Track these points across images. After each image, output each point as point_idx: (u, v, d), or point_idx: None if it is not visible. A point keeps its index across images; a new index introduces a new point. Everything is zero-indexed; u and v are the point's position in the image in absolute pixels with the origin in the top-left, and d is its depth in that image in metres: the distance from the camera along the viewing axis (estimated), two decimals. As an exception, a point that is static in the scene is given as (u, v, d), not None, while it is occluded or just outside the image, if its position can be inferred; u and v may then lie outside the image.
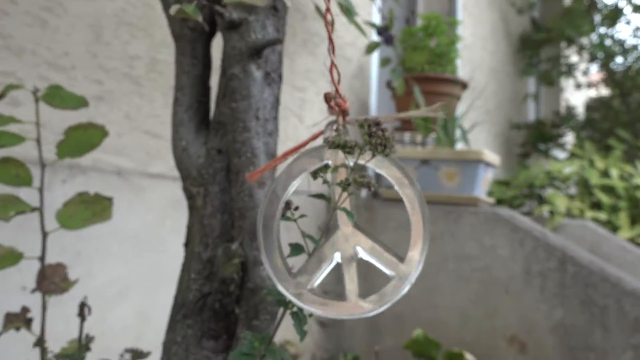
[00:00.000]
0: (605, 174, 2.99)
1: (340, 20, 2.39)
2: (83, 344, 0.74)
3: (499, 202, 3.01)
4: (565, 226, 2.65)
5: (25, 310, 0.77)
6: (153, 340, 0.90)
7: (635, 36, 4.05)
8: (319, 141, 0.43)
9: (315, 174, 0.43)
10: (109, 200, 0.77)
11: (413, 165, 2.01)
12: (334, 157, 0.42)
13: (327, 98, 0.42)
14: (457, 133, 2.10)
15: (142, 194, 1.56)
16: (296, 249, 0.46)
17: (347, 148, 0.40)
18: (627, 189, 2.84)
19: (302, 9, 2.22)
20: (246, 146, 0.66)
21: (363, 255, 0.46)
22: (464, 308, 1.82)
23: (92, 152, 1.56)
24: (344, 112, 0.42)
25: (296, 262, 0.46)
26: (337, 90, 0.41)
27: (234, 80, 0.67)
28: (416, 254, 0.45)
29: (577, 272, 1.63)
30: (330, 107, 0.42)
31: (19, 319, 0.75)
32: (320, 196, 0.45)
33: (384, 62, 2.08)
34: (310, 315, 0.47)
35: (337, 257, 0.46)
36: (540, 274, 1.69)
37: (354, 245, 0.46)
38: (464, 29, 3.37)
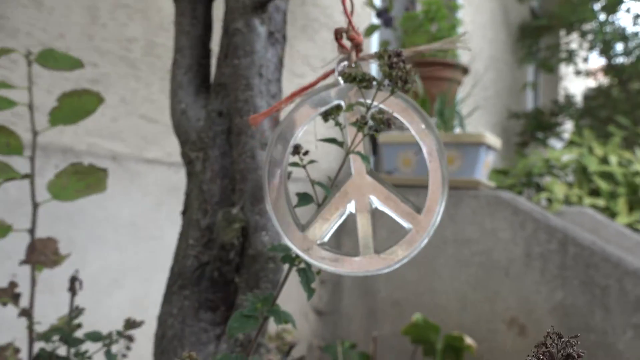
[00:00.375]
0: (604, 160, 2.99)
1: (340, 6, 2.36)
2: (72, 317, 0.72)
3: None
4: (564, 213, 2.64)
5: (13, 285, 0.74)
6: (149, 329, 0.88)
7: (635, 24, 4.03)
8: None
9: (326, 115, 0.40)
10: (103, 171, 0.75)
11: (413, 149, 1.99)
12: (346, 96, 0.40)
13: (338, 34, 0.39)
14: (458, 117, 2.08)
15: (138, 179, 1.53)
16: (304, 198, 0.42)
17: (364, 81, 0.36)
18: (625, 175, 2.84)
19: (302, -7, 2.20)
20: (249, 105, 0.63)
21: (378, 205, 0.43)
22: (463, 292, 1.80)
23: (87, 136, 1.53)
24: (357, 47, 0.39)
25: (305, 213, 0.43)
26: (350, 23, 0.38)
27: (237, 36, 0.65)
28: (434, 204, 0.42)
29: (578, 253, 1.61)
30: (340, 45, 0.39)
31: (6, 294, 0.73)
32: (331, 140, 0.42)
33: (384, 44, 2.06)
34: (319, 272, 0.44)
35: (350, 208, 0.43)
36: (541, 256, 1.68)
37: (368, 194, 0.42)
38: (463, 16, 3.34)
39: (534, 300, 1.67)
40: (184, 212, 0.72)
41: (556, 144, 4.49)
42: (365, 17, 2.49)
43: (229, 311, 0.66)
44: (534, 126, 4.20)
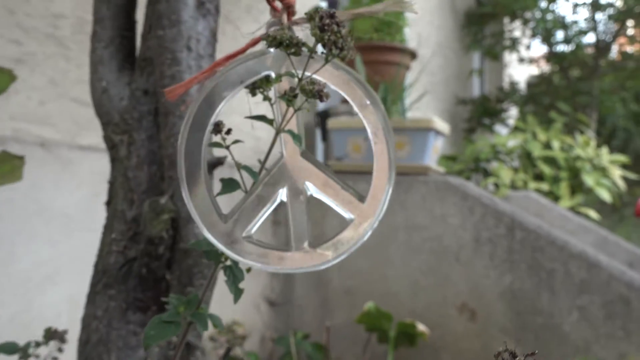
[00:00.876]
0: (547, 146, 3.07)
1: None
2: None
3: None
4: (510, 197, 2.69)
5: None
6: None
7: (574, 12, 4.16)
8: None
9: (253, 89, 0.34)
10: (19, 159, 0.66)
11: (363, 135, 1.96)
12: (277, 68, 0.34)
13: None
14: (401, 105, 2.06)
15: (71, 167, 1.42)
16: (229, 185, 0.36)
17: (291, 46, 0.31)
18: (567, 159, 2.92)
19: (245, -28, 2.11)
20: (175, 81, 0.56)
21: (314, 192, 0.37)
22: (415, 278, 1.80)
23: (12, 121, 1.40)
24: (289, 9, 0.33)
25: (229, 202, 0.37)
26: None
27: (161, 3, 0.57)
28: (380, 192, 0.37)
29: (525, 237, 1.63)
30: (272, 7, 0.33)
31: None
32: (259, 117, 0.36)
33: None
34: (248, 270, 0.38)
35: (282, 195, 0.37)
36: (490, 240, 1.69)
37: (303, 180, 0.37)
38: (411, 2, 3.33)
39: (484, 285, 1.69)
40: (108, 203, 0.64)
41: (502, 129, 4.60)
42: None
43: (161, 311, 0.60)
44: (480, 112, 4.28)
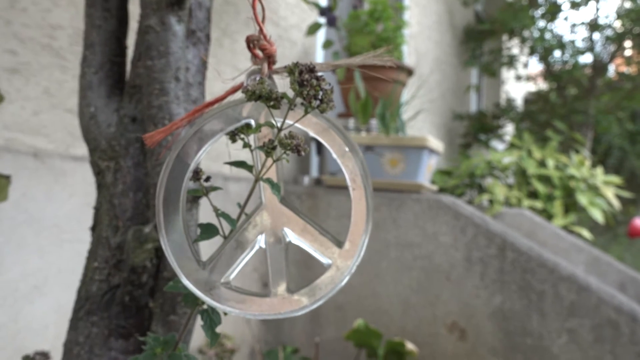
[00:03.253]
0: (542, 164, 3.08)
1: (286, 1, 2.30)
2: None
3: (442, 191, 3.03)
4: (504, 214, 2.70)
5: None
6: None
7: (572, 32, 4.19)
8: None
9: (233, 135, 0.35)
10: (6, 178, 0.66)
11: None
12: (257, 116, 0.34)
13: (250, 42, 0.34)
14: (399, 121, 2.07)
15: (64, 178, 1.42)
16: (207, 230, 0.36)
17: (271, 100, 0.31)
18: (561, 178, 2.93)
19: (245, -14, 2.12)
20: (163, 112, 0.57)
21: (293, 238, 0.38)
22: (405, 296, 1.79)
23: (5, 130, 1.40)
24: (269, 58, 0.34)
25: (209, 248, 0.38)
26: (261, 31, 0.33)
27: (150, 34, 0.57)
28: (357, 237, 0.37)
29: (516, 259, 1.63)
30: (253, 55, 0.34)
31: None
32: (239, 164, 0.36)
33: (327, 44, 2.02)
34: (226, 313, 0.38)
35: (260, 241, 0.38)
36: (481, 260, 1.69)
37: (282, 226, 0.37)
38: (410, 18, 3.36)
39: (474, 305, 1.68)
40: (93, 229, 0.64)
41: (498, 145, 4.62)
42: (312, 14, 2.44)
43: (144, 337, 0.59)
44: (477, 128, 4.30)
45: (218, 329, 0.41)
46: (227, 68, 2.02)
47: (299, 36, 2.40)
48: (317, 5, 1.85)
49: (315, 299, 0.38)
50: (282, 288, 0.38)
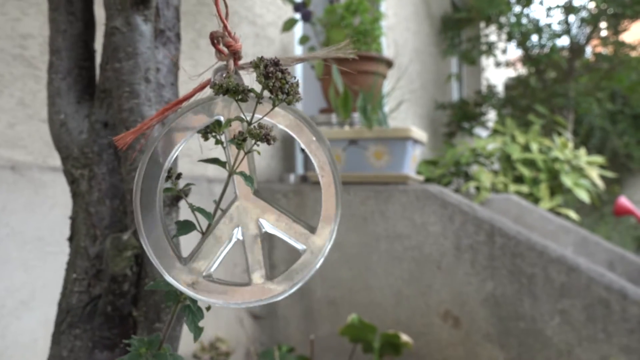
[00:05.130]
0: (526, 148, 3.10)
1: (261, -2, 2.28)
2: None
3: (428, 181, 3.04)
4: (491, 200, 2.71)
5: None
6: None
7: (548, 15, 4.22)
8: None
9: (205, 133, 0.35)
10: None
11: (341, 146, 1.96)
12: (226, 112, 0.34)
13: (214, 38, 0.33)
14: (381, 114, 2.07)
15: (44, 190, 1.40)
16: (184, 227, 0.37)
17: (238, 93, 0.31)
18: (546, 161, 2.96)
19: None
20: (134, 114, 0.55)
21: (268, 228, 0.39)
22: (398, 288, 1.79)
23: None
24: (235, 55, 0.34)
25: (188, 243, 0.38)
26: (225, 27, 0.32)
27: (116, 35, 0.56)
28: (329, 222, 0.39)
29: (505, 244, 1.64)
30: (218, 50, 0.33)
31: None
32: (212, 160, 0.36)
33: (303, 39, 2.00)
34: (208, 308, 0.39)
35: (237, 234, 0.39)
36: (471, 247, 1.69)
37: (257, 217, 0.39)
38: (387, 9, 3.35)
39: (466, 292, 1.69)
40: (71, 239, 0.62)
41: (482, 132, 4.64)
42: (288, 11, 2.43)
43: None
44: (459, 116, 4.32)
45: (212, 332, 0.41)
46: (202, 70, 2.00)
47: (276, 33, 2.39)
48: (290, 1, 1.84)
49: (293, 282, 0.40)
50: (261, 276, 0.40)
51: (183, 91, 0.76)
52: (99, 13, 0.77)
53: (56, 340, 0.59)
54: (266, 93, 0.32)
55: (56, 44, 0.62)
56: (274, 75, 0.31)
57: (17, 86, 1.37)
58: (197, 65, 1.95)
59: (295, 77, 0.32)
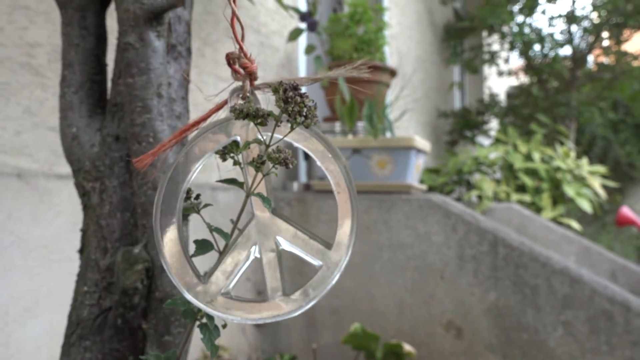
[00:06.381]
0: (528, 157, 3.10)
1: (266, 7, 2.29)
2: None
3: (430, 189, 3.04)
4: (493, 210, 2.71)
5: None
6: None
7: (550, 25, 4.23)
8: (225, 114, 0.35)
9: (223, 154, 0.35)
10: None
11: (345, 155, 1.96)
12: (244, 132, 0.35)
13: (230, 59, 0.34)
14: (387, 121, 2.08)
15: (49, 197, 1.40)
16: (202, 246, 0.38)
17: (258, 118, 0.32)
18: (548, 170, 2.96)
19: (223, -6, 2.11)
20: (147, 129, 0.56)
21: (285, 245, 0.40)
22: (400, 297, 1.79)
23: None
24: (251, 76, 0.34)
25: (206, 262, 0.38)
26: (241, 49, 0.33)
27: (129, 51, 0.56)
28: (344, 238, 0.39)
29: (508, 254, 1.64)
30: (234, 71, 0.34)
31: None
32: (230, 181, 0.37)
33: (309, 49, 2.01)
34: (224, 325, 0.39)
35: (255, 251, 0.39)
36: (474, 257, 1.69)
37: (274, 235, 0.39)
38: (390, 19, 3.37)
39: (469, 302, 1.69)
40: (81, 251, 0.63)
41: (484, 141, 4.65)
42: (292, 20, 2.44)
43: (138, 360, 0.59)
44: (462, 125, 4.32)
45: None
46: (209, 78, 2.01)
47: (280, 42, 2.40)
48: (296, 11, 1.85)
49: (310, 298, 0.40)
50: (278, 292, 0.40)
51: (192, 102, 0.77)
52: (111, 26, 0.78)
53: (66, 352, 0.59)
54: (284, 115, 0.33)
55: (69, 57, 0.62)
56: (293, 100, 0.32)
57: (24, 94, 1.38)
58: (201, 73, 1.96)
59: (313, 101, 0.33)
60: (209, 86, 2.00)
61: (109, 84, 0.66)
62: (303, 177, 2.41)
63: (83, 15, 0.62)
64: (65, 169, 1.44)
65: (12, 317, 1.29)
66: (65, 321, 1.43)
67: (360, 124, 2.15)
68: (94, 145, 0.60)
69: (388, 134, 2.20)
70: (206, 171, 1.81)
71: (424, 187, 2.05)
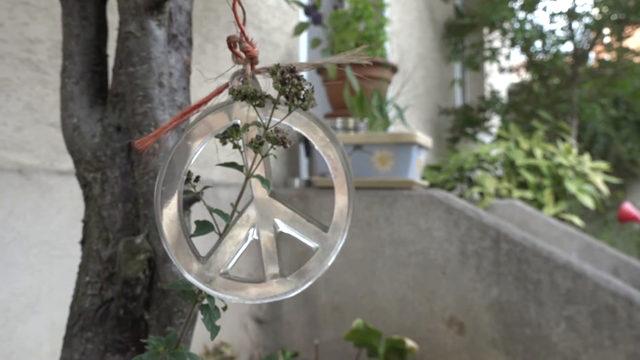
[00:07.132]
0: (529, 154, 3.10)
1: (267, 4, 2.29)
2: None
3: (432, 186, 3.04)
4: (495, 206, 2.71)
5: None
6: None
7: (551, 21, 4.22)
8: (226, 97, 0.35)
9: (223, 137, 0.35)
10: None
11: (346, 151, 1.96)
12: (244, 115, 0.35)
13: (231, 43, 0.34)
14: (391, 115, 2.07)
15: (50, 193, 1.40)
16: (203, 227, 0.39)
17: (256, 99, 0.32)
18: (550, 167, 2.95)
19: (224, -10, 2.11)
20: (148, 118, 0.55)
21: (283, 227, 0.41)
22: (402, 293, 1.79)
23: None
24: (252, 59, 0.34)
25: (206, 243, 0.39)
26: (242, 33, 0.33)
27: (130, 40, 0.56)
28: (341, 221, 0.40)
29: (511, 250, 1.64)
30: (235, 54, 0.34)
31: None
32: (230, 164, 0.37)
33: (315, 43, 2.01)
34: (225, 308, 0.40)
35: (253, 233, 0.40)
36: (476, 253, 1.69)
37: (272, 218, 0.40)
38: (391, 15, 3.36)
39: (471, 298, 1.68)
40: (83, 242, 0.63)
41: (485, 138, 4.64)
42: (293, 16, 2.44)
43: (140, 352, 0.58)
44: (463, 122, 4.32)
45: (216, 337, 0.42)
46: (210, 74, 2.01)
47: (281, 38, 2.40)
48: (300, 4, 1.84)
49: (306, 279, 0.41)
50: (275, 273, 0.41)
51: (194, 95, 0.76)
52: (111, 17, 0.77)
53: (68, 343, 0.59)
54: (282, 98, 0.33)
55: (69, 48, 0.62)
56: (290, 82, 0.32)
57: (25, 90, 1.38)
58: (203, 69, 1.96)
59: (310, 84, 0.33)
60: (210, 82, 2.00)
61: (110, 75, 0.66)
62: (304, 173, 2.41)
63: (83, 5, 0.62)
64: (67, 165, 1.44)
65: (14, 313, 1.29)
66: (65, 318, 1.43)
67: (361, 123, 2.15)
68: (95, 135, 0.60)
69: (392, 129, 2.20)
70: (207, 167, 1.81)
71: (425, 183, 2.05)
